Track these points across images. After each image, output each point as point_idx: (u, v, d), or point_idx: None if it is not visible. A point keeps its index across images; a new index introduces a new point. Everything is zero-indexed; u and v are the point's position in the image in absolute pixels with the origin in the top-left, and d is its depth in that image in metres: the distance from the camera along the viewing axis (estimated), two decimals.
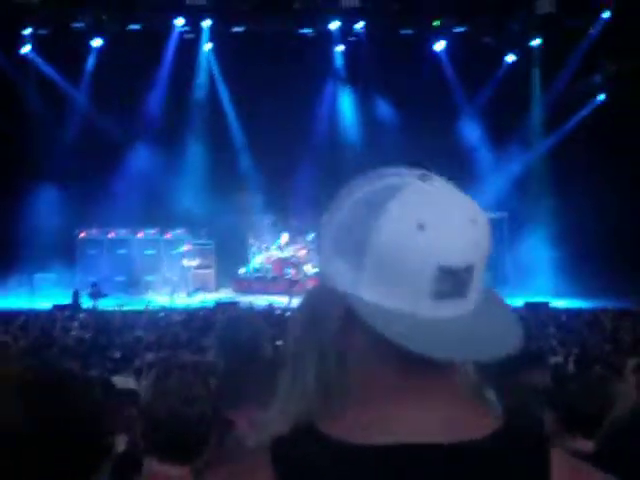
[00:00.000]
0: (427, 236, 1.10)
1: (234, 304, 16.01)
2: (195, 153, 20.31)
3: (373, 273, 1.12)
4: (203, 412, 2.19)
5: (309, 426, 1.15)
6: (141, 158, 19.68)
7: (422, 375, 1.15)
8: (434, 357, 1.10)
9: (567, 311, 14.94)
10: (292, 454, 1.13)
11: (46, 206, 18.84)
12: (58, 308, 15.49)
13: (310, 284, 19.47)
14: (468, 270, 1.12)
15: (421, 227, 1.10)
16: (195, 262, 19.89)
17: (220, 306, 15.45)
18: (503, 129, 19.95)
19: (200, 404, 2.19)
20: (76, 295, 17.16)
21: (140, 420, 2.28)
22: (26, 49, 19.16)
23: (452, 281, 1.11)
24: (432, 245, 1.10)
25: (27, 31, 18.90)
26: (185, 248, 19.85)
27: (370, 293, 1.12)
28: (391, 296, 1.12)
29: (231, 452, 2.20)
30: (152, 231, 19.93)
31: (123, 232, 19.84)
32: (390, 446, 1.11)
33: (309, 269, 19.91)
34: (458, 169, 16.17)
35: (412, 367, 1.13)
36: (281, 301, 17.00)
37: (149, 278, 19.76)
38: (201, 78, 20.54)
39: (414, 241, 1.10)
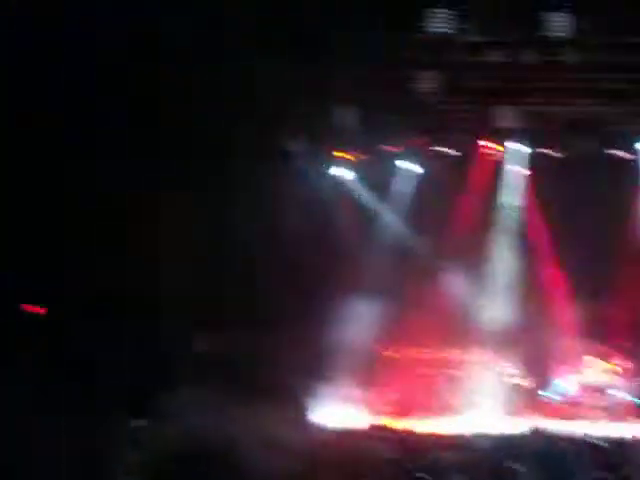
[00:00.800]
0: None
1: (548, 432, 15.34)
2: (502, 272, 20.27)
3: None
4: None
5: None
6: None
7: None
8: None
9: None
10: None
11: None
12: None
13: (619, 410, 18.57)
14: None
15: None
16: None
17: (533, 433, 14.87)
18: None
19: None
20: None
21: None
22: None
23: None
24: None
25: None
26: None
27: None
28: None
29: None
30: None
31: None
32: None
33: (617, 394, 18.93)
34: None
35: None
36: (589, 429, 15.97)
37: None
38: (509, 197, 20.62)
39: None
